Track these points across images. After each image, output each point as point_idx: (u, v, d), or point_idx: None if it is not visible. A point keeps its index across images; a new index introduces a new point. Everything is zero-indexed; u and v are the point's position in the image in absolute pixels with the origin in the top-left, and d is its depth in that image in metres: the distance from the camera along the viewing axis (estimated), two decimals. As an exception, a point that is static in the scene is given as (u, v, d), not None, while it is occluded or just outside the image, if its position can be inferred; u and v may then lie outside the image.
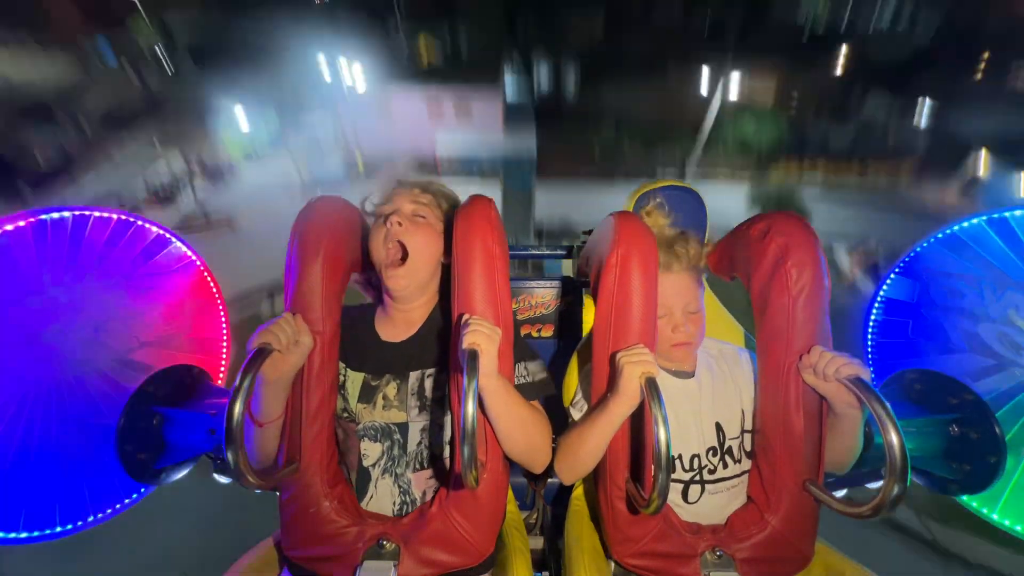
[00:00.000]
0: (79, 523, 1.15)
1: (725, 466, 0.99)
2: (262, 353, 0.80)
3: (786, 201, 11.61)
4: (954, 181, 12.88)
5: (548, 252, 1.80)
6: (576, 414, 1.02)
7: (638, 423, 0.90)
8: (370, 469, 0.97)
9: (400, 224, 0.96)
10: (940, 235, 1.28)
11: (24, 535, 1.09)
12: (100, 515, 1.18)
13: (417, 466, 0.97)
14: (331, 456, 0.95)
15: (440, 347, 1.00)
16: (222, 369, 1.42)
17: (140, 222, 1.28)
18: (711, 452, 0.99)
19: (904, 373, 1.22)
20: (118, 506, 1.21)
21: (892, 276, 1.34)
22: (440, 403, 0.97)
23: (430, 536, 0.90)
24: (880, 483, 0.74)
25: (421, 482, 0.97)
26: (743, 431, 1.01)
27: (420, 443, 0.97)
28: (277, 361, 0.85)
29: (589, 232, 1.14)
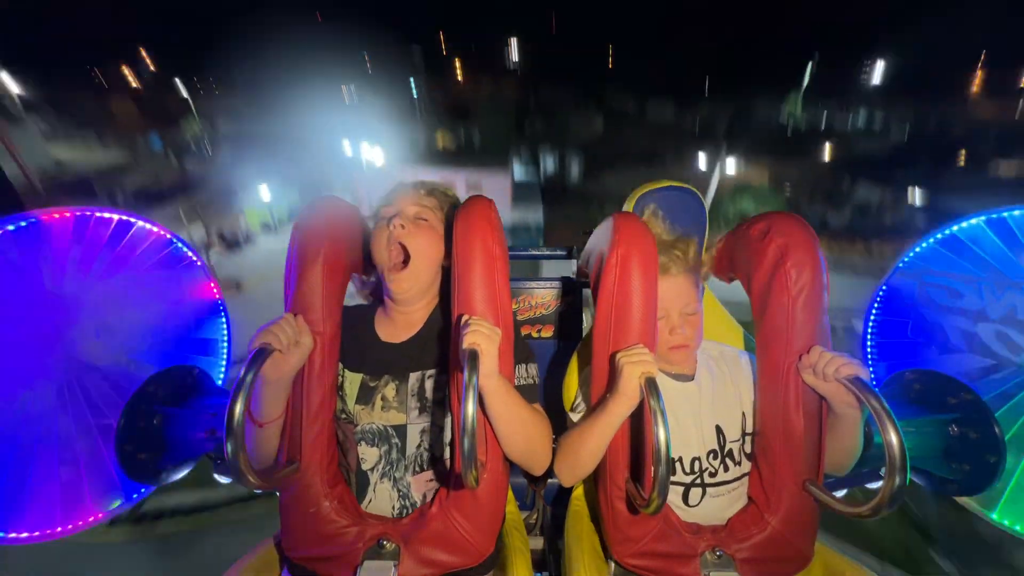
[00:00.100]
0: (80, 523, 1.15)
1: (726, 469, 0.99)
2: (263, 353, 0.80)
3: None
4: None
5: (548, 252, 1.80)
6: (576, 417, 1.02)
7: (638, 423, 0.90)
8: (368, 473, 0.97)
9: (403, 226, 0.96)
10: (939, 235, 1.28)
11: (25, 535, 1.09)
12: (100, 515, 1.18)
13: (417, 469, 0.97)
14: (331, 456, 0.95)
15: (440, 348, 1.00)
16: (222, 369, 1.42)
17: (141, 223, 1.28)
18: (711, 455, 0.99)
19: (903, 373, 1.22)
20: (118, 506, 1.20)
21: (892, 276, 1.34)
22: (441, 404, 0.97)
23: (430, 536, 0.90)
24: (880, 483, 0.73)
25: (421, 485, 0.97)
26: (743, 434, 1.01)
27: (419, 445, 0.97)
28: (278, 361, 0.85)
29: (589, 232, 1.14)
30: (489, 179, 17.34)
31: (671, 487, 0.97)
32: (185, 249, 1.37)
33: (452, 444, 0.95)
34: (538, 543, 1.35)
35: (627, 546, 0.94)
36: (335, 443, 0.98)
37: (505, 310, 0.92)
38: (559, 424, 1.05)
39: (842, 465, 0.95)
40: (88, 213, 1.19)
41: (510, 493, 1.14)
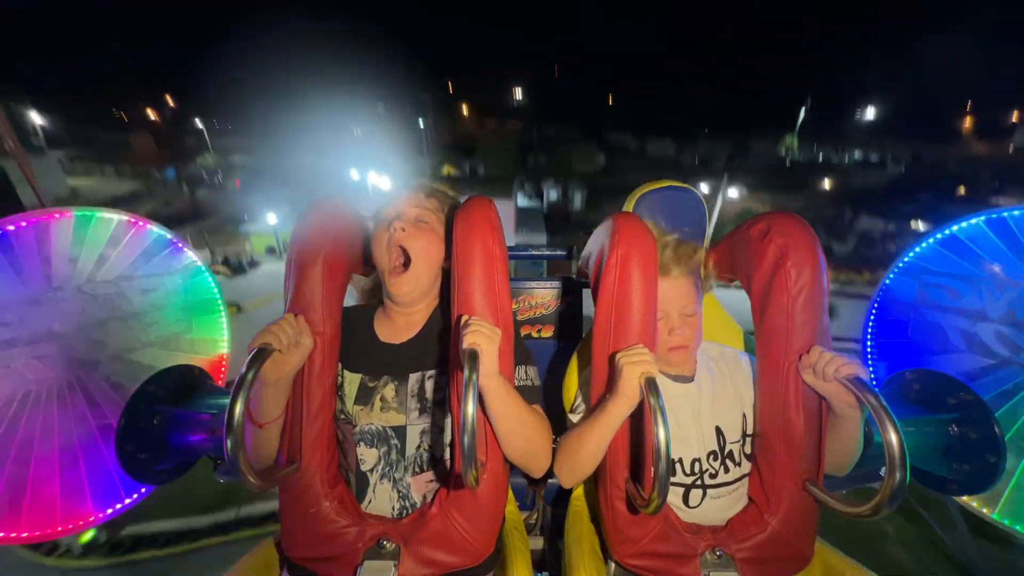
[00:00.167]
0: (80, 523, 1.15)
1: (726, 470, 0.99)
2: (263, 353, 0.80)
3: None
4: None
5: (548, 252, 1.80)
6: (575, 418, 1.01)
7: (638, 423, 0.90)
8: (368, 474, 0.97)
9: (403, 229, 0.96)
10: (939, 235, 1.28)
11: (25, 534, 1.09)
12: (101, 515, 1.18)
13: (416, 469, 0.97)
14: (331, 457, 0.95)
15: (441, 349, 0.99)
16: (222, 369, 1.42)
17: (142, 223, 1.28)
18: (712, 456, 0.99)
19: (903, 373, 1.22)
20: (119, 506, 1.20)
21: (891, 276, 1.34)
22: (441, 405, 0.97)
23: (430, 536, 0.90)
24: (880, 483, 0.73)
25: (421, 486, 0.97)
26: (744, 435, 1.01)
27: (419, 446, 0.97)
28: (278, 361, 0.85)
29: (589, 232, 1.14)
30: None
31: (671, 488, 0.97)
32: (185, 250, 1.37)
33: (452, 445, 0.95)
34: (538, 543, 1.34)
35: (627, 546, 0.94)
36: (335, 443, 0.97)
37: (505, 310, 0.92)
38: (559, 424, 1.05)
39: (842, 465, 0.95)
40: (88, 214, 1.19)
41: (510, 493, 1.14)
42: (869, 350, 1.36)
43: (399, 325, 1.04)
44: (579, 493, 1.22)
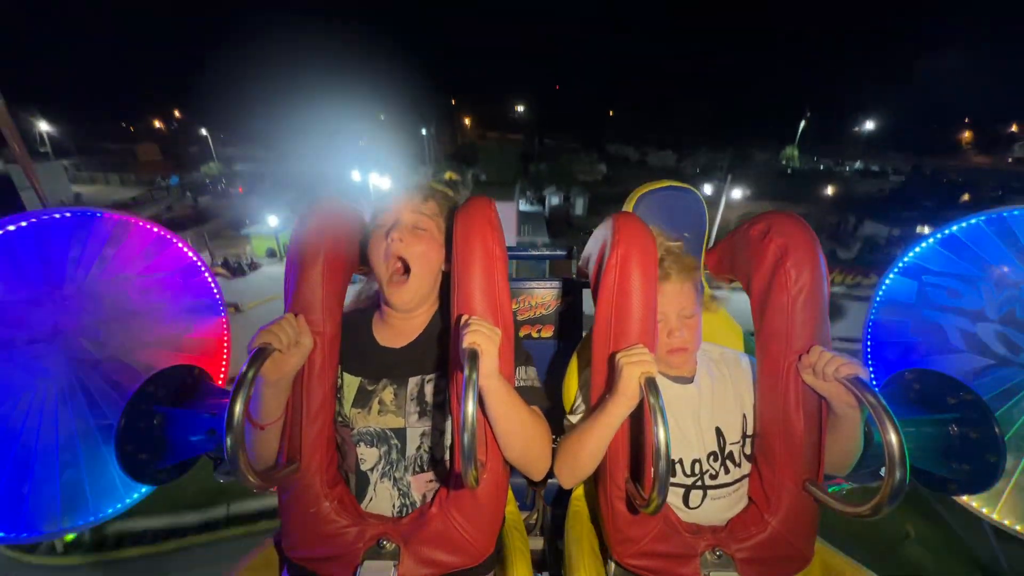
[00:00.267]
0: (80, 523, 1.15)
1: (726, 471, 0.99)
2: (263, 353, 0.80)
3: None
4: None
5: (548, 252, 1.80)
6: (575, 419, 1.01)
7: (638, 423, 0.90)
8: (368, 473, 0.97)
9: (401, 240, 0.95)
10: (939, 235, 1.28)
11: (25, 535, 1.09)
12: (101, 515, 1.18)
13: (417, 469, 0.97)
14: (331, 457, 0.95)
15: (440, 352, 0.99)
16: (222, 369, 1.42)
17: (142, 223, 1.28)
18: (712, 457, 0.99)
19: (903, 373, 1.22)
20: (119, 506, 1.20)
21: (891, 276, 1.34)
22: (441, 408, 0.97)
23: (430, 536, 0.90)
24: (880, 483, 0.73)
25: (421, 485, 0.97)
26: (744, 436, 1.01)
27: (419, 447, 0.97)
28: (278, 361, 0.85)
29: (590, 232, 1.14)
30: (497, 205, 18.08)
31: (671, 489, 0.97)
32: (185, 250, 1.37)
33: (452, 447, 0.94)
34: (538, 543, 1.34)
35: (627, 546, 0.94)
36: (335, 444, 0.98)
37: (505, 310, 0.92)
38: (559, 424, 1.04)
39: (842, 465, 0.95)
40: (88, 213, 1.19)
41: (510, 493, 1.14)
42: (869, 350, 1.36)
43: (397, 330, 1.03)
44: (579, 493, 1.22)
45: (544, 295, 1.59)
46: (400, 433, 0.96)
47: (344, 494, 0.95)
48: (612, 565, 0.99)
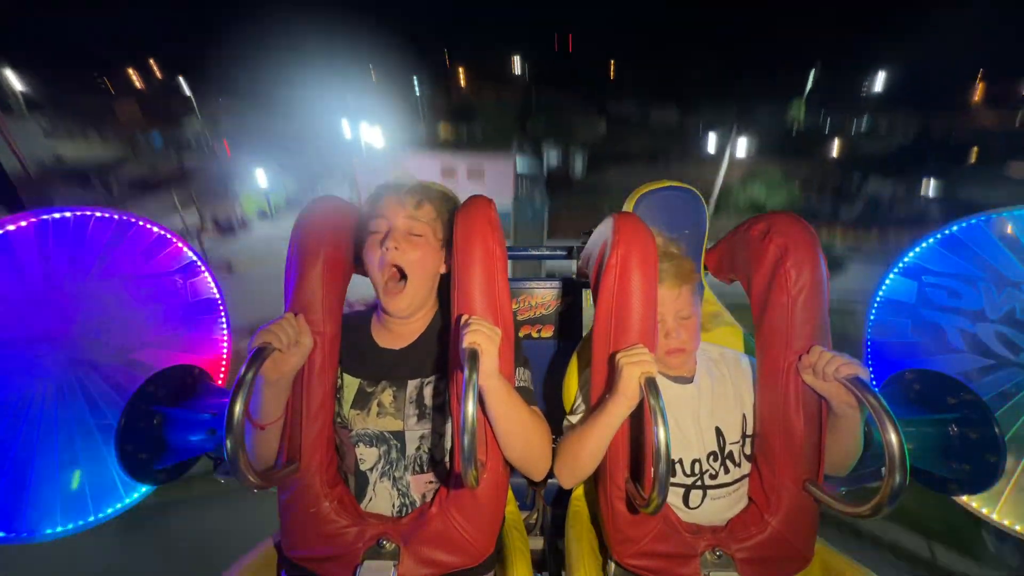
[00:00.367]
0: (80, 523, 1.15)
1: (726, 471, 0.99)
2: (263, 352, 0.80)
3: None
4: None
5: (548, 252, 1.80)
6: (575, 420, 1.01)
7: (638, 423, 0.90)
8: (368, 473, 0.97)
9: (396, 248, 0.93)
10: (939, 235, 1.28)
11: (25, 535, 1.09)
12: (101, 515, 1.18)
13: (416, 469, 0.97)
14: (331, 457, 0.95)
15: (439, 354, 0.99)
16: (222, 369, 1.42)
17: (141, 223, 1.28)
18: (712, 457, 0.99)
19: (903, 373, 1.22)
20: (119, 506, 1.20)
21: (891, 277, 1.34)
22: (440, 410, 0.97)
23: (430, 536, 0.90)
24: (880, 483, 0.73)
25: (420, 485, 0.97)
26: (743, 435, 1.01)
27: (419, 448, 0.97)
28: (278, 361, 0.85)
29: (589, 232, 1.14)
30: (491, 164, 16.16)
31: (671, 489, 0.97)
32: (185, 249, 1.37)
33: (452, 448, 0.94)
34: (538, 543, 1.34)
35: (627, 546, 0.94)
36: (335, 444, 0.98)
37: (505, 310, 0.92)
38: (559, 424, 1.05)
39: (842, 465, 0.95)
40: (88, 213, 1.19)
41: (510, 493, 1.14)
42: (869, 350, 1.36)
43: (396, 333, 1.03)
44: (579, 493, 1.22)
45: (544, 295, 1.59)
46: (399, 436, 0.96)
47: (344, 494, 0.95)
48: (612, 565, 0.99)
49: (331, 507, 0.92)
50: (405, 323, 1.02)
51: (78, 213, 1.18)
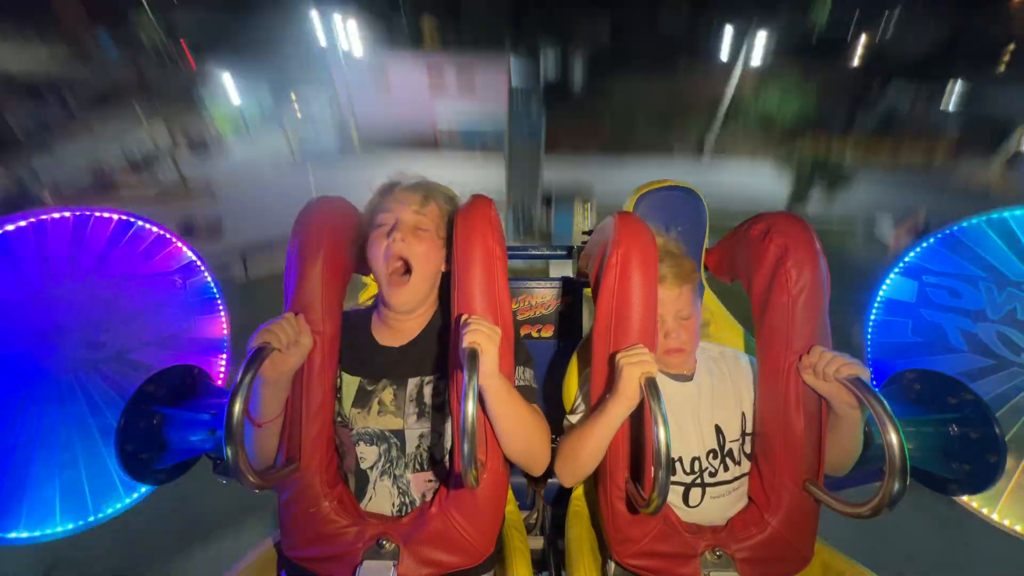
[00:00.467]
0: (80, 523, 1.15)
1: (726, 469, 0.99)
2: (262, 352, 0.80)
3: (823, 168, 10.31)
4: (995, 159, 13.24)
5: (548, 252, 1.80)
6: (575, 419, 1.01)
7: (638, 423, 0.90)
8: (368, 471, 0.97)
9: (403, 240, 0.94)
10: (939, 235, 1.28)
11: (24, 535, 1.09)
12: (101, 515, 1.18)
13: (417, 467, 0.97)
14: (331, 456, 0.95)
15: (439, 353, 0.99)
16: (222, 369, 1.42)
17: (141, 222, 1.28)
18: (711, 455, 0.99)
19: (904, 373, 1.22)
20: (119, 506, 1.20)
21: (892, 277, 1.34)
22: (440, 409, 0.97)
23: (430, 536, 0.90)
24: (880, 483, 0.73)
25: (421, 484, 0.97)
26: (743, 434, 1.01)
27: (419, 446, 0.97)
28: (277, 360, 0.85)
29: (590, 232, 1.14)
30: (483, 69, 15.10)
31: (671, 487, 0.97)
32: (185, 249, 1.37)
33: (452, 447, 0.95)
34: (538, 543, 1.35)
35: (627, 546, 0.94)
36: (335, 444, 0.98)
37: (505, 310, 0.92)
38: (559, 424, 1.05)
39: (842, 465, 0.95)
40: (88, 213, 1.19)
41: (510, 493, 1.14)
42: (869, 350, 1.36)
43: (396, 330, 1.03)
44: (579, 493, 1.22)
45: (544, 295, 1.59)
46: (399, 434, 0.97)
47: (344, 494, 0.95)
48: (612, 565, 0.99)
49: (331, 507, 0.92)
50: (406, 319, 1.02)
51: (77, 213, 1.18)
